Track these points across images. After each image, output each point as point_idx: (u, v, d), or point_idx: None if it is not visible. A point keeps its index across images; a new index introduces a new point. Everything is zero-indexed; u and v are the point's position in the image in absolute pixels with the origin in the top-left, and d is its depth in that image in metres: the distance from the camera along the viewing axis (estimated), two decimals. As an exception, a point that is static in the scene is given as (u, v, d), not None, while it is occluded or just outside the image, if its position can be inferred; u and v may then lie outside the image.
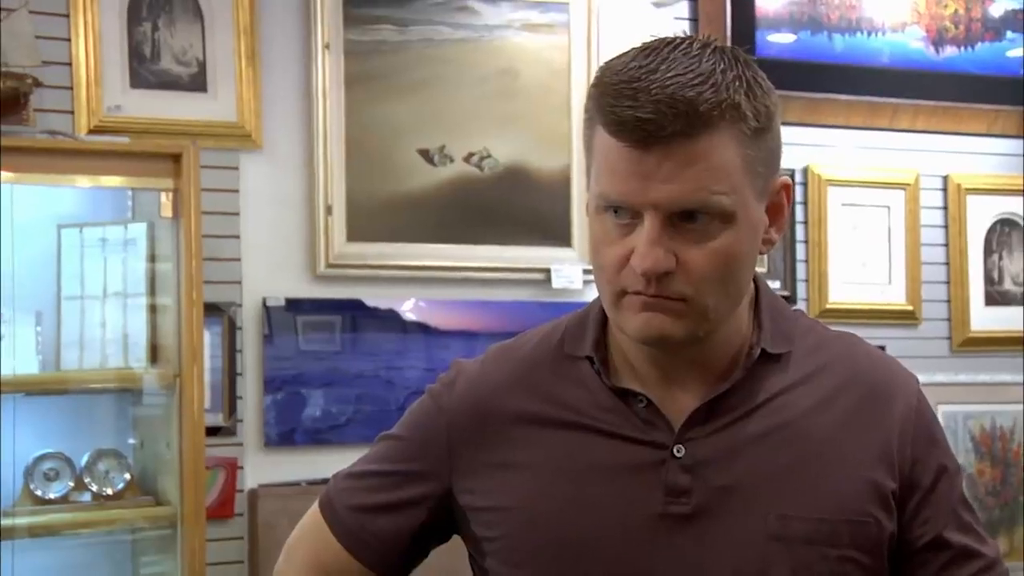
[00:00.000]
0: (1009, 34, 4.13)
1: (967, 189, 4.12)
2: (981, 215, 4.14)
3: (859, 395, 1.41)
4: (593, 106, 1.31)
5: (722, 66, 1.28)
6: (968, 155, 4.14)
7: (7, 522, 2.90)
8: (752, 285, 1.42)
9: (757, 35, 3.80)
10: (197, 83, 3.28)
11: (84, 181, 3.02)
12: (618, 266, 1.31)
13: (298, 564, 1.54)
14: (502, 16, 3.57)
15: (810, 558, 1.34)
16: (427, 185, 3.47)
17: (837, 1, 3.93)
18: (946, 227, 4.12)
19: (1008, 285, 4.18)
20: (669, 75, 1.26)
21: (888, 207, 4.02)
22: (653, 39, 1.32)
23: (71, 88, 3.15)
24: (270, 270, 3.34)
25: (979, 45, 4.10)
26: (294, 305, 3.35)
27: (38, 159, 2.92)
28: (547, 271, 3.57)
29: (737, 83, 1.28)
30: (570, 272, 3.57)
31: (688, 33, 1.36)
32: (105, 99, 3.18)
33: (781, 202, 1.38)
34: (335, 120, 3.38)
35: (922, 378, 1.51)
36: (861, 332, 1.56)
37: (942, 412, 3.92)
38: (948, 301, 4.11)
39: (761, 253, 1.38)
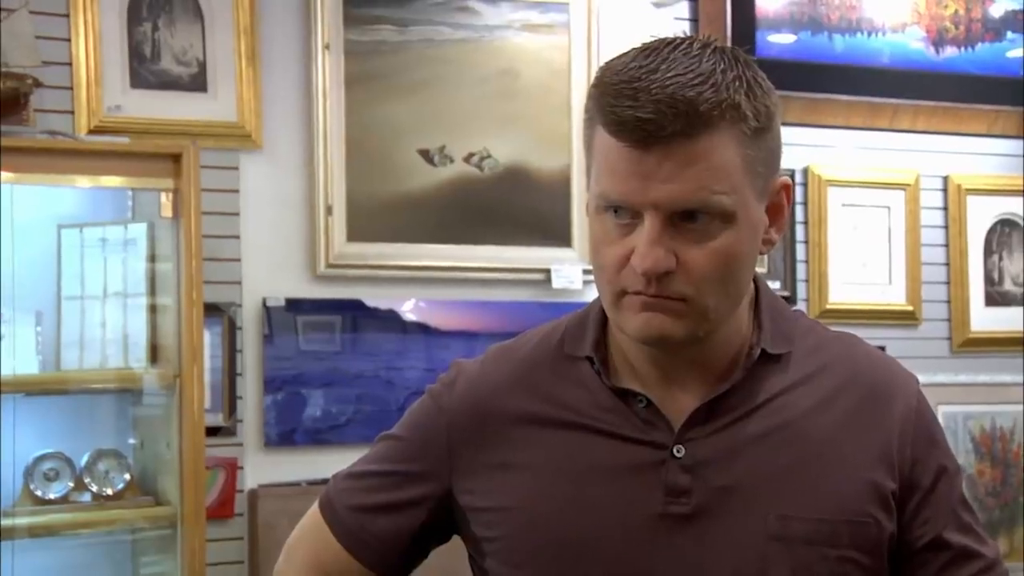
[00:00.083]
0: (1009, 34, 4.13)
1: (967, 189, 4.12)
2: (981, 215, 4.14)
3: (859, 396, 1.41)
4: (593, 106, 1.31)
5: (722, 66, 1.28)
6: (968, 155, 4.14)
7: (7, 522, 2.90)
8: (752, 285, 1.42)
9: (757, 35, 3.80)
10: (197, 83, 3.28)
11: (84, 181, 3.02)
12: (618, 266, 1.31)
13: (298, 564, 1.54)
14: (502, 16, 3.57)
15: (810, 558, 1.34)
16: (427, 185, 3.47)
17: (837, 1, 3.93)
18: (946, 228, 4.12)
19: (1008, 286, 4.18)
20: (669, 75, 1.26)
21: (888, 207, 4.02)
22: (653, 39, 1.32)
23: (71, 88, 3.15)
24: (270, 270, 3.34)
25: (979, 45, 4.10)
26: (294, 305, 3.35)
27: (38, 159, 2.91)
28: (547, 271, 3.57)
29: (737, 83, 1.28)
30: (570, 272, 3.57)
31: (688, 33, 1.36)
32: (105, 99, 3.18)
33: (781, 202, 1.38)
34: (335, 120, 3.38)
35: (922, 379, 1.51)
36: (861, 332, 1.56)
37: (942, 413, 3.92)
38: (948, 301, 4.11)
39: (761, 253, 1.38)
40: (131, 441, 3.15)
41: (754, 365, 1.39)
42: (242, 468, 3.27)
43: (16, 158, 2.84)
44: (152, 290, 3.07)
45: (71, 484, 3.00)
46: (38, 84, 3.00)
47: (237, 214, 3.29)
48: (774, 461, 1.36)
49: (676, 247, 1.29)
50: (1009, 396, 4.06)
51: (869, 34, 3.97)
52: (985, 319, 4.13)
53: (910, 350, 3.88)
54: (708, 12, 3.78)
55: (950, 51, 4.07)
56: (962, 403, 4.03)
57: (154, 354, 3.05)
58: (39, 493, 2.96)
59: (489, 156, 3.54)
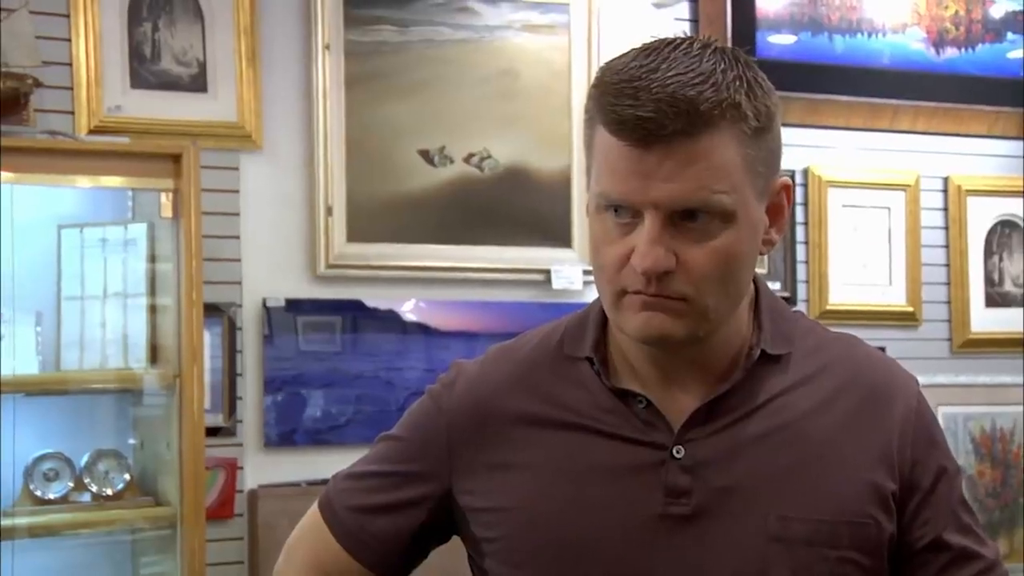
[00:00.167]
0: (1009, 35, 4.13)
1: (967, 190, 4.12)
2: (981, 216, 4.14)
3: (859, 396, 1.41)
4: (594, 106, 1.31)
5: (723, 66, 1.28)
6: (968, 156, 4.14)
7: (7, 522, 2.90)
8: (752, 286, 1.42)
9: (758, 36, 3.80)
10: (197, 83, 3.28)
11: (84, 181, 3.02)
12: (618, 265, 1.31)
13: (298, 564, 1.54)
14: (502, 17, 3.57)
15: (810, 559, 1.34)
16: (427, 186, 3.47)
17: (838, 2, 3.93)
18: (946, 228, 4.12)
19: (1008, 286, 4.18)
20: (670, 74, 1.26)
21: (888, 208, 4.02)
22: (653, 40, 1.32)
23: (71, 88, 3.15)
24: (270, 270, 3.34)
25: (979, 46, 4.10)
26: (294, 305, 3.35)
27: (38, 159, 2.92)
28: (547, 272, 3.57)
29: (738, 83, 1.28)
30: (570, 273, 3.57)
31: (688, 34, 1.36)
32: (105, 99, 3.18)
33: (781, 203, 1.38)
34: (335, 121, 3.38)
35: (922, 379, 1.51)
36: (861, 333, 1.56)
37: (942, 413, 3.92)
38: (948, 302, 4.11)
39: (761, 253, 1.38)
40: (131, 441, 3.15)
41: (754, 366, 1.39)
42: (242, 468, 3.27)
43: (16, 158, 2.84)
44: (152, 290, 3.07)
45: (71, 484, 3.00)
46: (38, 84, 3.01)
47: (237, 214, 3.29)
48: (774, 462, 1.36)
49: (676, 246, 1.29)
50: (1009, 397, 4.06)
51: (869, 35, 3.97)
52: (985, 320, 4.13)
53: (910, 351, 3.88)
54: (708, 13, 3.78)
55: (950, 52, 4.07)
56: (962, 404, 4.03)
57: (154, 354, 3.05)
58: (39, 493, 2.96)
59: (489, 156, 3.54)
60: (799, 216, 3.90)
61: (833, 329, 1.51)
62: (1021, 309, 4.15)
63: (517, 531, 1.40)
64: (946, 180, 4.11)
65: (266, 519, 3.20)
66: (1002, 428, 4.09)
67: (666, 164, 1.26)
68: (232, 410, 3.27)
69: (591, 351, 1.42)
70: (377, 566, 1.49)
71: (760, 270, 3.61)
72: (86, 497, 3.01)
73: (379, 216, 3.42)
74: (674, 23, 3.72)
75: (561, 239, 3.60)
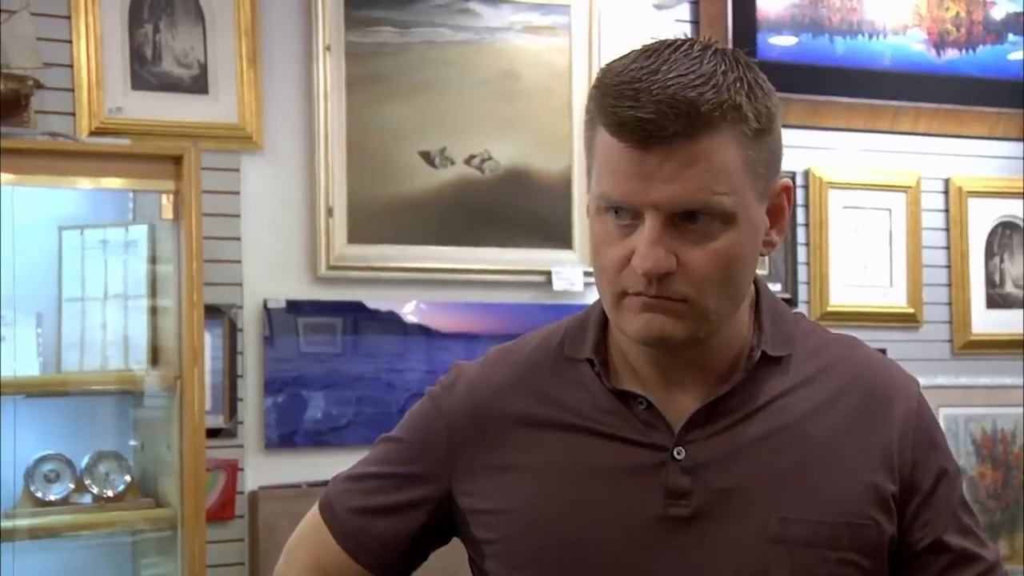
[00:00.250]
0: (1010, 37, 4.13)
1: (968, 192, 4.12)
2: (982, 218, 4.14)
3: (859, 398, 1.41)
4: (594, 107, 1.31)
5: (723, 67, 1.28)
6: (969, 158, 4.14)
7: (7, 524, 2.90)
8: (752, 287, 1.42)
9: (758, 37, 3.80)
10: (198, 85, 3.28)
11: (85, 183, 3.02)
12: (619, 267, 1.31)
13: (298, 566, 1.54)
14: (503, 18, 3.57)
15: (810, 560, 1.34)
16: (428, 187, 3.47)
17: (838, 4, 3.93)
18: (947, 230, 4.12)
19: (1009, 288, 4.17)
20: (670, 76, 1.26)
21: (889, 210, 4.02)
22: (654, 41, 1.32)
23: (72, 90, 3.15)
24: (271, 272, 3.34)
25: (980, 48, 4.10)
26: (295, 307, 3.35)
27: (39, 161, 2.92)
28: (548, 273, 3.57)
29: (738, 84, 1.28)
30: (571, 274, 3.57)
31: (689, 36, 1.36)
32: (106, 101, 3.18)
33: (782, 204, 1.38)
34: (336, 122, 3.38)
35: (923, 381, 1.51)
36: (862, 335, 1.56)
37: (943, 415, 3.92)
38: (949, 304, 4.11)
39: (762, 255, 1.38)
40: (132, 443, 3.15)
41: (754, 367, 1.39)
42: (242, 470, 3.27)
43: (17, 160, 2.84)
44: (153, 292, 3.07)
45: (72, 486, 3.00)
46: (39, 86, 3.01)
47: (238, 216, 3.29)
48: (774, 463, 1.36)
49: (677, 248, 1.28)
50: (1010, 398, 4.06)
51: (870, 36, 3.97)
52: (986, 321, 4.13)
53: (911, 352, 3.88)
54: (709, 14, 3.78)
55: (951, 53, 4.07)
56: (963, 405, 4.03)
57: (155, 356, 3.05)
58: (40, 495, 2.97)
59: (490, 158, 3.54)
60: (800, 217, 3.90)
61: (834, 331, 1.50)
62: (1022, 311, 4.15)
63: (517, 533, 1.40)
64: (947, 181, 4.11)
65: (267, 520, 3.20)
66: (1003, 429, 4.09)
67: (666, 165, 1.26)
68: (233, 412, 3.27)
69: (591, 352, 1.42)
70: (377, 568, 1.49)
71: (761, 271, 3.61)
72: (87, 498, 3.01)
73: (380, 217, 3.42)
74: (675, 25, 3.72)
75: (562, 240, 3.60)
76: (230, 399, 3.26)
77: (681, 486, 1.35)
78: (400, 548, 1.49)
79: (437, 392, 1.50)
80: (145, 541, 3.12)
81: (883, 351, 1.54)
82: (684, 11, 3.80)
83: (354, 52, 3.42)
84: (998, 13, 4.13)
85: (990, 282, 4.15)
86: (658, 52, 1.29)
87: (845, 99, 3.93)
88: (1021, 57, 4.12)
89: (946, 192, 4.12)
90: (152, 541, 3.09)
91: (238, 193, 3.30)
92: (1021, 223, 4.19)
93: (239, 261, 3.29)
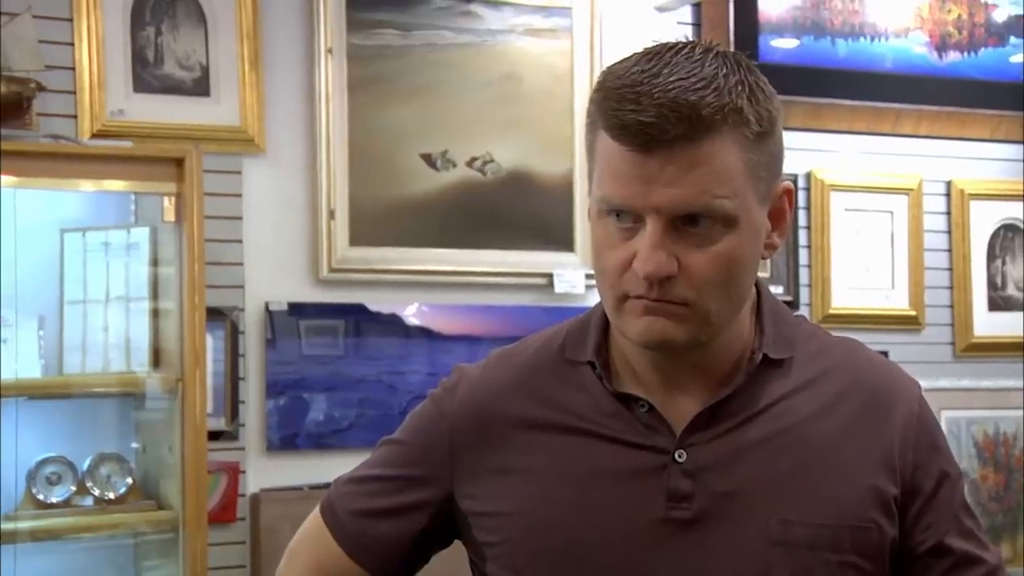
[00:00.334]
0: (1012, 39, 4.13)
1: (970, 194, 4.12)
2: (984, 220, 4.14)
3: (861, 401, 1.41)
4: (595, 110, 1.31)
5: (724, 70, 1.28)
6: (971, 160, 4.14)
7: (9, 526, 2.90)
8: (754, 290, 1.42)
9: (760, 40, 3.80)
10: (200, 87, 3.28)
11: (87, 185, 3.03)
12: (620, 270, 1.31)
13: (299, 568, 1.54)
14: (505, 21, 3.57)
15: (811, 563, 1.34)
16: (430, 190, 3.47)
17: (840, 6, 3.93)
18: (949, 232, 4.12)
19: (1011, 290, 4.17)
20: (672, 79, 1.26)
21: (891, 212, 4.02)
22: (655, 44, 1.32)
23: (74, 92, 3.15)
24: (273, 274, 3.34)
25: (982, 50, 4.10)
26: (297, 309, 3.35)
27: (41, 163, 2.92)
28: (549, 276, 3.57)
29: (739, 87, 1.28)
30: (572, 277, 3.57)
31: (691, 38, 1.36)
32: (108, 103, 3.18)
33: (783, 207, 1.38)
34: (338, 124, 3.38)
35: (925, 383, 1.51)
36: (864, 337, 1.56)
37: (945, 418, 3.92)
38: (951, 306, 4.11)
39: (763, 258, 1.37)
40: (133, 445, 3.15)
41: (756, 370, 1.39)
42: (244, 472, 3.27)
43: (19, 162, 2.84)
44: (155, 294, 3.07)
45: (73, 488, 3.00)
46: (41, 88, 3.01)
47: (240, 218, 3.30)
48: (776, 466, 1.36)
49: (678, 251, 1.28)
50: (1012, 401, 4.06)
51: (872, 39, 3.97)
52: (988, 324, 4.13)
53: (913, 355, 3.88)
54: (711, 17, 3.78)
55: (953, 56, 4.07)
56: (965, 408, 4.03)
57: (156, 358, 3.05)
58: (41, 497, 2.97)
59: (492, 160, 3.54)
60: (802, 220, 3.90)
61: (836, 333, 1.50)
62: (1023, 313, 4.15)
63: (519, 535, 1.40)
64: (949, 184, 4.12)
65: (268, 523, 3.20)
66: (1005, 432, 4.09)
67: (668, 169, 1.26)
68: (234, 414, 3.27)
69: (593, 355, 1.42)
70: (379, 570, 1.49)
71: (763, 274, 3.61)
72: (88, 501, 3.01)
73: (382, 220, 3.42)
74: (676, 27, 3.72)
75: (563, 243, 3.60)
76: (232, 401, 3.26)
77: (682, 489, 1.35)
78: (401, 550, 1.49)
79: (439, 394, 1.50)
80: (147, 543, 3.12)
81: (885, 354, 1.54)
82: (686, 14, 3.80)
83: (356, 55, 3.42)
84: (1000, 16, 4.13)
85: (992, 285, 4.15)
86: (659, 55, 1.29)
87: (847, 102, 3.93)
88: (1022, 60, 4.12)
89: (948, 195, 4.12)
90: (154, 543, 3.09)
91: (240, 195, 3.30)
92: (1023, 225, 4.18)
93: (241, 263, 3.29)
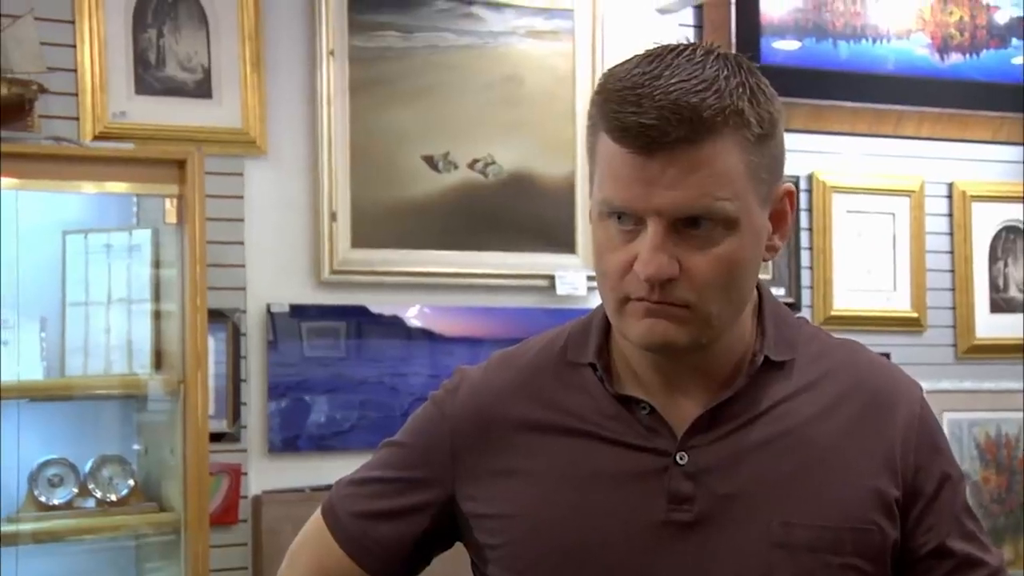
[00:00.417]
0: (1014, 41, 4.13)
1: (972, 196, 4.12)
2: (986, 222, 4.14)
3: (862, 403, 1.41)
4: (597, 112, 1.31)
5: (725, 72, 1.28)
6: (973, 162, 4.14)
7: (11, 528, 2.90)
8: (755, 292, 1.42)
9: (762, 42, 3.80)
10: (202, 89, 3.28)
11: (89, 187, 3.03)
12: (621, 272, 1.31)
13: (301, 570, 1.54)
14: (507, 23, 3.57)
15: (813, 565, 1.34)
16: (431, 191, 3.47)
17: (842, 8, 3.93)
18: (951, 234, 4.12)
19: (1013, 292, 4.17)
20: (673, 81, 1.26)
21: (893, 214, 4.02)
22: (656, 46, 1.32)
23: (76, 94, 3.16)
24: (274, 276, 3.34)
25: (984, 52, 4.10)
26: (298, 311, 3.35)
27: (43, 165, 2.92)
28: (551, 278, 3.57)
29: (741, 89, 1.28)
30: (574, 279, 3.57)
31: (693, 40, 1.36)
32: (110, 105, 3.18)
33: (785, 209, 1.38)
34: (340, 126, 3.38)
35: (927, 385, 1.51)
36: (866, 339, 1.56)
37: (947, 419, 3.91)
38: (953, 308, 4.11)
39: (764, 260, 1.37)
40: (135, 447, 3.15)
41: (757, 372, 1.39)
42: (246, 474, 3.27)
43: (21, 164, 2.84)
44: (156, 296, 3.07)
45: (75, 490, 3.00)
46: (43, 90, 3.01)
47: (241, 220, 3.30)
48: (777, 468, 1.36)
49: (679, 253, 1.28)
50: (1014, 403, 4.05)
51: (874, 41, 3.97)
52: (990, 326, 4.12)
53: (915, 357, 3.88)
54: (713, 19, 3.78)
55: (955, 58, 4.07)
56: (967, 410, 4.02)
57: (158, 360, 3.05)
58: (43, 499, 2.97)
59: (493, 162, 3.54)
60: (803, 222, 3.90)
61: (837, 335, 1.50)
62: (1025, 315, 4.15)
63: (520, 538, 1.40)
64: (950, 186, 4.12)
65: (270, 525, 3.20)
66: (1007, 434, 4.08)
67: (669, 171, 1.26)
68: (236, 416, 3.27)
69: (594, 357, 1.42)
70: (380, 572, 1.49)
71: (764, 276, 3.61)
72: (90, 503, 3.01)
73: (383, 222, 3.42)
74: (678, 29, 3.72)
75: (565, 245, 3.60)
76: (233, 403, 3.27)
77: (684, 491, 1.35)
78: (403, 552, 1.49)
79: (440, 396, 1.50)
80: (148, 545, 3.12)
81: (886, 355, 1.54)
82: (687, 16, 3.80)
83: (358, 56, 3.42)
84: (1002, 17, 4.13)
85: (994, 286, 4.15)
86: (660, 57, 1.29)
87: (849, 103, 3.93)
88: None
89: (950, 196, 4.12)
90: (155, 545, 3.09)
91: (242, 197, 3.30)
92: (1025, 227, 4.19)
93: (243, 265, 3.29)
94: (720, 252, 1.29)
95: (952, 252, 4.11)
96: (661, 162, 1.26)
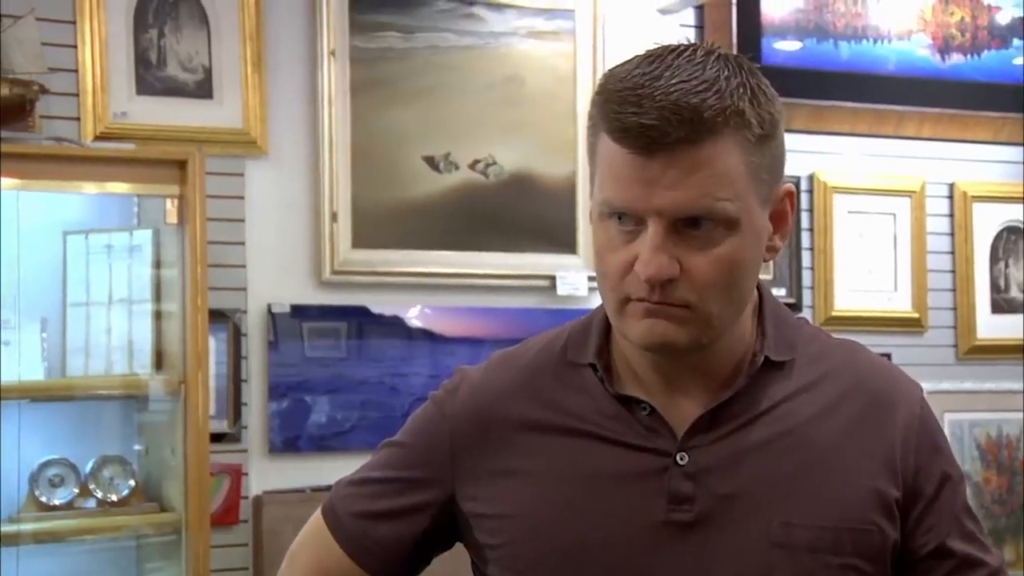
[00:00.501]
0: (1015, 42, 4.13)
1: (973, 197, 4.12)
2: (987, 223, 4.14)
3: (862, 403, 1.41)
4: (597, 113, 1.31)
5: (726, 73, 1.28)
6: (974, 163, 4.14)
7: (12, 528, 2.90)
8: (756, 292, 1.42)
9: (763, 42, 3.80)
10: (203, 90, 3.28)
11: (90, 188, 3.03)
12: (622, 273, 1.31)
13: (301, 570, 1.54)
14: (508, 23, 3.57)
15: (813, 566, 1.34)
16: (432, 192, 3.47)
17: (843, 9, 3.93)
18: (952, 235, 4.12)
19: (1014, 293, 4.17)
20: (673, 82, 1.26)
21: (894, 214, 4.02)
22: (657, 47, 1.32)
23: (77, 95, 3.16)
24: (275, 276, 3.34)
25: (985, 53, 4.10)
26: (299, 312, 3.35)
27: (44, 166, 2.92)
28: (552, 278, 3.57)
29: (741, 90, 1.28)
30: (575, 279, 3.57)
31: (694, 40, 1.36)
32: (111, 106, 3.19)
33: (785, 209, 1.38)
34: (341, 127, 3.38)
35: (928, 386, 1.51)
36: (867, 340, 1.56)
37: (948, 420, 3.91)
38: (954, 309, 4.10)
39: (765, 260, 1.37)
40: (136, 447, 3.15)
41: (757, 372, 1.39)
42: (246, 474, 3.28)
43: (22, 164, 2.85)
44: (157, 296, 3.07)
45: (76, 490, 3.01)
46: (44, 90, 3.01)
47: (242, 220, 3.30)
48: (777, 468, 1.36)
49: (680, 254, 1.28)
50: (1015, 404, 4.05)
51: (875, 41, 3.97)
52: (991, 326, 4.12)
53: (916, 357, 3.88)
54: (714, 19, 3.78)
55: (956, 58, 4.07)
56: (968, 411, 4.02)
57: (159, 360, 3.05)
58: (44, 499, 2.97)
59: (494, 163, 3.54)
60: (804, 222, 3.90)
61: (838, 336, 1.50)
62: (1026, 315, 4.15)
63: (520, 538, 1.40)
64: (951, 186, 4.11)
65: (270, 525, 3.20)
66: (1008, 435, 4.08)
67: (669, 172, 1.26)
68: (237, 416, 3.27)
69: (594, 357, 1.42)
70: (380, 572, 1.49)
71: (765, 276, 3.61)
72: (91, 503, 3.01)
73: (384, 222, 3.42)
74: (679, 29, 3.72)
75: (566, 245, 3.60)
76: (234, 404, 3.27)
77: (684, 491, 1.35)
78: (403, 552, 1.49)
79: (440, 396, 1.50)
80: (149, 546, 3.12)
81: (887, 356, 1.55)
82: (688, 16, 3.80)
83: (359, 57, 3.42)
84: (1003, 18, 4.13)
85: (995, 287, 4.15)
86: (661, 58, 1.29)
87: (850, 104, 3.93)
88: (1025, 62, 4.13)
89: (951, 197, 4.11)
90: (156, 546, 3.09)
91: (242, 198, 3.30)
92: (1026, 228, 4.19)
93: (243, 266, 3.29)
94: (721, 252, 1.29)
95: (953, 253, 4.11)
96: (662, 163, 1.26)
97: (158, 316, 3.06)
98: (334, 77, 3.38)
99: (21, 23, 2.98)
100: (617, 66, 1.32)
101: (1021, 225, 4.18)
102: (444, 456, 1.45)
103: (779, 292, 3.76)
